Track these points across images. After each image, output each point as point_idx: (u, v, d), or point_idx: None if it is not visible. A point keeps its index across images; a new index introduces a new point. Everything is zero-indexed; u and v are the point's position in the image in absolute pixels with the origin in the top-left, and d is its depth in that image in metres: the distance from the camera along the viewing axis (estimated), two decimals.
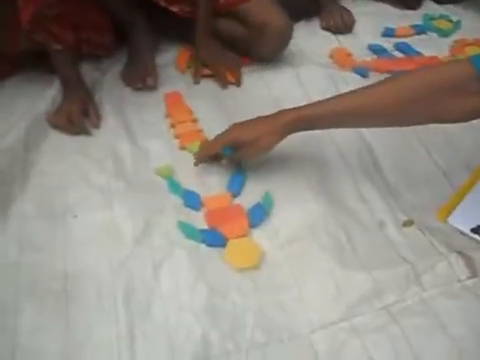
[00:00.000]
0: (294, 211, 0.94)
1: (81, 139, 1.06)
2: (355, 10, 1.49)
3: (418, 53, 1.35)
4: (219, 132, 1.07)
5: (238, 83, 1.22)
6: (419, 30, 1.45)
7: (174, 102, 1.17)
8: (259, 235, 0.90)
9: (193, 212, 0.93)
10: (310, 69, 1.25)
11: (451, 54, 1.35)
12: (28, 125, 1.04)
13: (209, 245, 0.88)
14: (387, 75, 1.24)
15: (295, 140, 1.06)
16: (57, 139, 1.05)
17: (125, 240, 0.88)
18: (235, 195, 0.96)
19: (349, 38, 1.39)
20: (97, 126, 1.10)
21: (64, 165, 1.00)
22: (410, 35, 1.43)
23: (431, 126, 1.09)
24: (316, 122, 0.89)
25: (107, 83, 1.21)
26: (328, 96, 1.15)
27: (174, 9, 1.23)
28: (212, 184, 0.99)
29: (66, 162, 1.00)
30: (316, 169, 1.02)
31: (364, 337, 0.76)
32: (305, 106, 0.91)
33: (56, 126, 1.08)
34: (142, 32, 1.25)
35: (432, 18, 1.49)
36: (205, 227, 0.91)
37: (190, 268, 0.84)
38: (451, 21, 1.48)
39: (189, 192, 0.96)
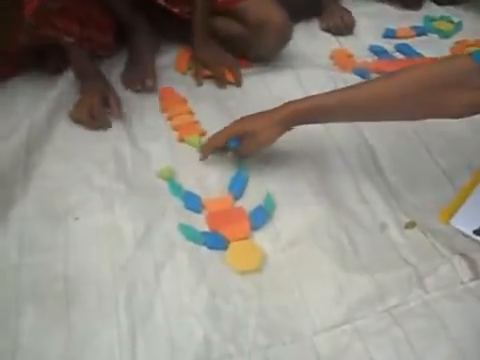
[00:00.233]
0: (296, 214, 0.93)
1: (82, 141, 1.05)
2: (356, 11, 1.49)
3: (419, 54, 1.35)
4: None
5: (238, 83, 1.22)
6: (420, 31, 1.45)
7: (168, 95, 1.18)
8: (261, 238, 0.89)
9: (194, 214, 0.93)
10: (311, 70, 1.25)
11: (452, 55, 1.34)
12: (30, 127, 1.04)
13: (210, 248, 0.87)
14: None
15: (296, 142, 1.07)
16: (59, 141, 1.05)
17: (126, 242, 0.87)
18: (237, 197, 0.96)
19: (350, 39, 1.39)
20: (119, 116, 1.10)
21: (65, 167, 1.00)
22: (411, 36, 1.43)
23: (433, 127, 1.10)
24: (316, 115, 0.90)
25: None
26: None
27: (175, 10, 1.23)
28: (213, 186, 0.99)
29: (67, 164, 1.00)
30: (317, 171, 1.02)
31: (366, 340, 0.76)
32: (306, 98, 0.91)
33: (78, 121, 1.08)
34: (143, 34, 1.25)
35: (433, 19, 1.49)
36: (206, 229, 0.90)
37: (191, 270, 0.84)
38: (452, 22, 1.48)
39: (190, 194, 0.96)
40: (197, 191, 0.97)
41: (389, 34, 1.42)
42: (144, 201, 0.94)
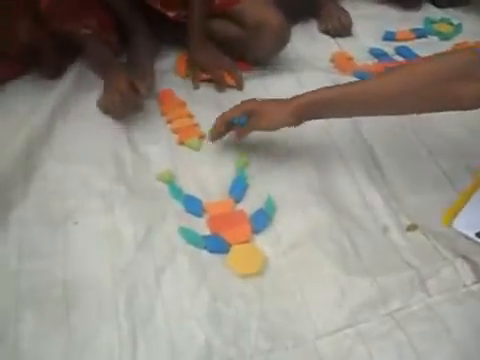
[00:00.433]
0: (297, 217, 0.93)
1: (82, 144, 1.05)
2: (355, 13, 1.49)
3: (419, 57, 1.34)
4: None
5: (240, 85, 1.22)
6: (420, 34, 1.45)
7: (167, 99, 1.18)
8: (262, 241, 0.89)
9: (195, 218, 0.93)
10: (311, 74, 1.25)
11: None
12: (30, 129, 1.03)
13: (211, 251, 0.87)
14: None
15: (297, 145, 1.07)
16: (59, 144, 1.04)
17: (126, 246, 0.87)
18: (237, 201, 0.96)
19: (350, 42, 1.39)
20: (149, 95, 1.12)
21: (65, 170, 0.99)
22: (411, 39, 1.43)
23: (434, 129, 1.10)
24: (326, 107, 0.91)
25: None
26: None
27: (170, 14, 1.22)
28: (214, 189, 0.98)
29: (67, 167, 1.00)
30: (318, 174, 1.01)
31: (369, 343, 0.75)
32: (317, 90, 0.92)
33: (109, 109, 1.09)
34: (142, 36, 1.25)
35: (433, 22, 1.49)
36: (207, 233, 0.90)
37: (192, 274, 0.83)
38: (452, 24, 1.48)
39: (190, 198, 0.96)
40: (197, 194, 0.96)
41: (389, 37, 1.42)
42: (144, 205, 0.94)
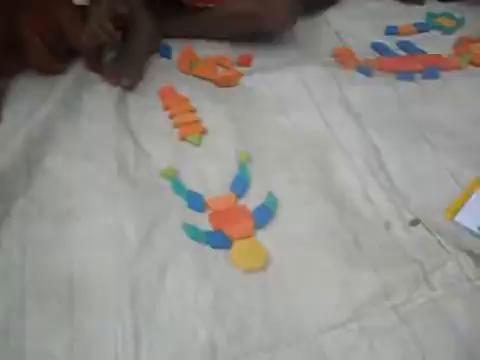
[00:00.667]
0: (299, 212, 0.93)
1: (85, 140, 1.05)
2: (359, 9, 1.49)
3: (422, 51, 1.34)
4: (223, 131, 1.07)
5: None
6: (422, 28, 1.44)
7: (169, 94, 1.18)
8: (264, 236, 0.89)
9: (197, 213, 0.92)
10: (313, 68, 1.24)
11: (455, 52, 1.34)
12: (32, 125, 1.03)
13: (214, 247, 0.87)
14: (391, 74, 1.24)
15: (299, 140, 1.06)
16: (61, 140, 1.04)
17: (129, 242, 0.87)
18: (239, 196, 0.96)
19: (352, 37, 1.38)
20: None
21: (67, 167, 0.99)
22: (413, 33, 1.42)
23: (438, 125, 1.10)
24: None
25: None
26: (332, 95, 1.17)
27: None
28: (216, 185, 0.98)
29: (69, 164, 1.00)
30: (321, 169, 1.01)
31: (373, 338, 0.75)
32: None
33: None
34: (144, 30, 1.24)
35: (435, 16, 1.48)
36: (210, 228, 0.90)
37: (195, 270, 0.83)
38: (454, 19, 1.47)
39: (193, 193, 0.95)
40: (200, 190, 0.96)
41: (391, 31, 1.41)
42: (147, 200, 0.93)
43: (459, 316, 0.77)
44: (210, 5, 1.27)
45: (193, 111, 1.14)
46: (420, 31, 1.43)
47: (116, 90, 1.16)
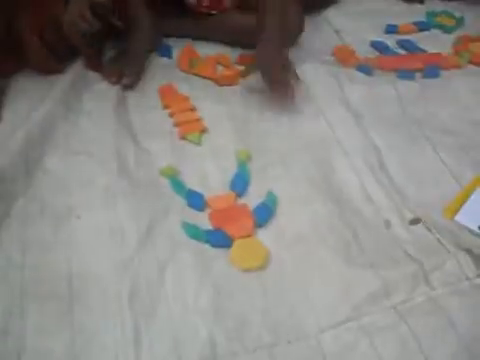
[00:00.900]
0: (299, 210, 0.93)
1: (84, 139, 1.05)
2: (357, 7, 1.49)
3: (421, 50, 1.34)
4: (223, 130, 1.07)
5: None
6: (422, 27, 1.43)
7: (169, 93, 1.18)
8: (265, 235, 0.89)
9: (198, 212, 0.93)
10: (313, 67, 1.24)
11: (455, 50, 1.34)
12: (32, 124, 1.03)
13: (214, 246, 0.87)
14: (391, 73, 1.24)
15: (299, 139, 1.06)
16: (60, 139, 1.04)
17: (129, 241, 0.87)
18: (239, 195, 0.96)
19: (352, 35, 1.38)
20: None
21: (67, 165, 0.99)
22: (413, 32, 1.42)
23: (438, 124, 1.10)
24: None
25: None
26: (332, 94, 1.17)
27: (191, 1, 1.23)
28: (216, 184, 0.98)
29: (69, 162, 1.00)
30: (321, 168, 1.01)
31: (372, 336, 0.75)
32: None
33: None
34: (144, 29, 1.24)
35: (435, 15, 1.48)
36: (210, 227, 0.90)
37: (195, 269, 0.83)
38: (454, 17, 1.47)
39: (193, 192, 0.96)
40: (200, 189, 0.96)
41: (391, 30, 1.41)
42: (147, 199, 0.93)
43: (458, 315, 0.77)
44: (213, 12, 1.28)
45: (193, 110, 1.14)
46: (420, 30, 1.43)
47: (116, 89, 1.16)
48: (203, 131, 1.08)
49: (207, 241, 0.87)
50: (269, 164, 1.01)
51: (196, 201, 0.94)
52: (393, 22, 1.43)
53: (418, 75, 1.24)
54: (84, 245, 0.86)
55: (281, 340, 0.75)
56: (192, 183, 0.98)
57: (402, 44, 1.36)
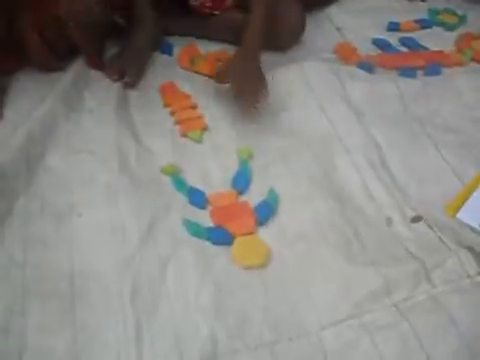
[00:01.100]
0: (301, 208, 0.93)
1: (86, 137, 1.05)
2: (359, 5, 1.48)
3: (423, 47, 1.34)
4: (225, 127, 1.07)
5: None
6: (424, 24, 1.43)
7: (170, 90, 1.17)
8: (266, 233, 0.89)
9: (199, 210, 0.93)
10: (315, 64, 1.24)
11: (457, 48, 1.34)
12: (33, 123, 1.03)
13: (215, 243, 0.87)
14: (393, 70, 1.24)
15: (301, 137, 1.06)
16: (62, 137, 1.04)
17: (131, 239, 0.87)
18: (241, 192, 0.96)
19: (353, 33, 1.38)
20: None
21: (69, 163, 0.99)
22: (415, 29, 1.41)
23: (440, 122, 1.10)
24: None
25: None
26: (334, 91, 1.17)
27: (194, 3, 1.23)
28: (217, 181, 0.98)
29: (71, 160, 1.00)
30: (322, 166, 1.01)
31: (374, 334, 0.75)
32: None
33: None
34: (148, 28, 1.24)
35: (437, 12, 1.47)
36: (211, 225, 0.90)
37: (197, 266, 0.84)
38: (456, 15, 1.46)
39: (194, 190, 0.96)
40: (201, 186, 0.96)
41: (393, 27, 1.41)
42: (148, 197, 0.94)
43: (459, 312, 0.77)
44: (216, 12, 1.27)
45: (194, 108, 1.14)
46: (422, 27, 1.43)
47: (117, 87, 1.16)
48: (204, 129, 1.08)
49: (208, 239, 0.87)
50: (270, 162, 1.01)
51: (197, 199, 0.94)
52: (395, 20, 1.43)
53: (420, 73, 1.24)
54: (86, 243, 0.87)
55: (282, 338, 0.76)
56: (193, 181, 0.98)
57: (404, 42, 1.36)
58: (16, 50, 1.13)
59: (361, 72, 1.24)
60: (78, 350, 0.74)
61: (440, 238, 0.88)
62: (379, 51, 1.33)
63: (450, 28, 1.42)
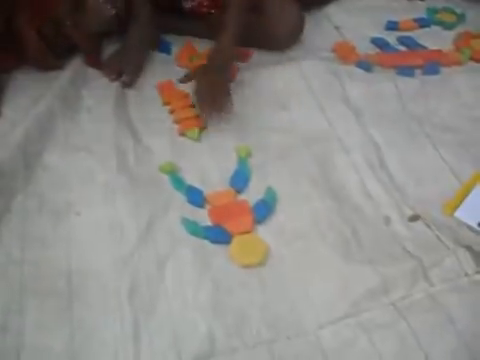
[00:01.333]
0: (299, 207, 0.93)
1: (84, 135, 1.05)
2: (357, 4, 1.48)
3: (422, 46, 1.34)
4: (223, 126, 1.06)
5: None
6: (423, 23, 1.43)
7: (168, 89, 1.17)
8: (264, 231, 0.89)
9: (197, 209, 0.93)
10: (313, 63, 1.24)
11: (455, 47, 1.34)
12: (31, 121, 1.03)
13: (214, 242, 0.87)
14: (391, 69, 1.24)
15: (299, 136, 1.06)
16: (60, 136, 1.04)
17: (129, 237, 0.87)
18: (239, 191, 0.96)
19: (352, 32, 1.38)
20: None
21: (67, 162, 0.99)
22: (414, 28, 1.41)
23: (438, 121, 1.10)
24: None
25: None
26: (332, 90, 1.17)
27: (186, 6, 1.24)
28: (215, 180, 0.98)
29: (69, 159, 1.00)
30: (320, 164, 1.01)
31: (371, 333, 0.75)
32: None
33: None
34: (145, 23, 1.23)
35: (436, 11, 1.47)
36: (209, 224, 0.90)
37: (195, 265, 0.84)
38: (455, 14, 1.46)
39: (192, 189, 0.96)
40: (199, 185, 0.96)
41: (391, 26, 1.41)
42: (146, 196, 0.94)
43: (457, 311, 0.77)
44: (212, 11, 1.27)
45: (193, 106, 1.13)
46: (421, 26, 1.42)
47: (115, 86, 1.16)
48: (203, 127, 1.08)
49: (206, 237, 0.87)
50: (269, 161, 1.01)
51: (196, 197, 0.94)
52: (393, 18, 1.43)
53: (418, 72, 1.24)
54: (84, 241, 0.87)
55: (280, 336, 0.76)
56: (192, 179, 0.98)
57: (402, 41, 1.36)
58: (14, 48, 1.13)
59: (359, 71, 1.24)
60: (76, 348, 0.74)
61: (438, 237, 0.88)
62: (378, 50, 1.33)
63: (449, 27, 1.42)
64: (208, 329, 0.75)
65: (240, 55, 1.27)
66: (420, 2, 1.53)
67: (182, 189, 0.95)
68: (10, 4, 1.09)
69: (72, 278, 0.81)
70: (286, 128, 1.09)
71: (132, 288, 0.80)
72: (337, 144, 1.05)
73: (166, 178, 0.97)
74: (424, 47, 1.33)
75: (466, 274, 0.82)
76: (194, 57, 1.26)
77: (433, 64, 1.25)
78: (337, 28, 1.40)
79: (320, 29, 1.38)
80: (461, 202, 0.93)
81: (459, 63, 1.27)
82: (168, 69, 1.24)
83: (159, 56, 1.28)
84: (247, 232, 0.88)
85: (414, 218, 0.91)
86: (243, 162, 1.00)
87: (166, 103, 1.14)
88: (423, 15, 1.46)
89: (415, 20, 1.44)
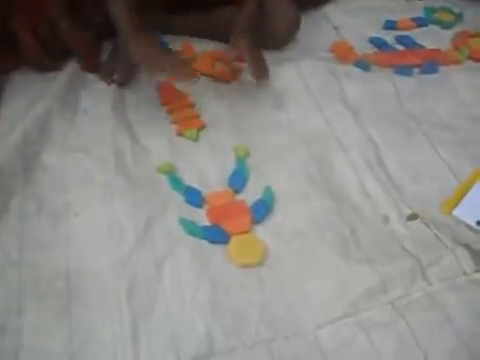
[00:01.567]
0: (297, 207, 0.93)
1: (82, 136, 1.05)
2: (355, 3, 1.48)
3: (420, 46, 1.34)
4: (221, 126, 1.07)
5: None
6: (420, 22, 1.43)
7: (167, 89, 1.17)
8: (262, 231, 0.89)
9: (195, 209, 0.93)
10: (311, 63, 1.24)
11: (453, 46, 1.34)
12: (29, 122, 1.03)
13: (212, 242, 0.87)
14: (389, 69, 1.24)
15: (297, 135, 1.06)
16: (58, 136, 1.04)
17: (127, 238, 0.87)
18: (237, 191, 0.96)
19: (350, 31, 1.38)
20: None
21: (65, 163, 0.99)
22: (411, 28, 1.41)
23: (436, 120, 1.10)
24: None
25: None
26: (330, 90, 1.17)
27: None
28: (213, 180, 0.98)
29: (67, 160, 1.00)
30: (318, 164, 1.01)
31: (370, 332, 0.75)
32: None
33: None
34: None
35: (433, 10, 1.47)
36: (208, 224, 0.90)
37: (193, 265, 0.84)
38: (453, 13, 1.46)
39: (190, 189, 0.96)
40: (198, 185, 0.96)
41: (389, 25, 1.41)
42: (145, 196, 0.94)
43: (456, 310, 0.77)
44: None
45: (191, 106, 1.14)
46: (419, 26, 1.43)
47: (113, 86, 1.16)
48: (201, 128, 1.08)
49: (205, 237, 0.87)
50: (267, 160, 1.01)
51: (194, 197, 0.94)
52: (391, 18, 1.43)
53: (416, 71, 1.24)
54: (82, 242, 0.87)
55: (279, 336, 0.75)
56: (190, 180, 0.98)
57: (400, 40, 1.36)
58: (12, 49, 1.13)
59: (357, 71, 1.24)
60: (74, 349, 0.73)
61: (436, 236, 0.88)
62: (376, 49, 1.33)
63: (446, 26, 1.42)
64: (206, 329, 0.75)
65: (239, 55, 1.28)
66: (418, 1, 1.53)
67: (180, 189, 0.95)
68: (5, 5, 1.09)
69: (71, 279, 0.81)
70: (284, 128, 1.09)
71: (130, 289, 0.80)
72: (335, 143, 1.05)
73: (164, 178, 0.97)
74: (422, 46, 1.33)
75: (464, 273, 0.82)
76: (193, 57, 1.26)
77: (431, 63, 1.26)
78: (335, 28, 1.40)
79: (318, 29, 1.38)
80: (459, 201, 0.93)
81: (457, 62, 1.27)
82: None
83: None
84: (245, 232, 0.88)
85: (412, 217, 0.91)
86: (241, 162, 1.00)
87: (165, 103, 1.14)
88: (421, 14, 1.47)
89: (413, 19, 1.44)
